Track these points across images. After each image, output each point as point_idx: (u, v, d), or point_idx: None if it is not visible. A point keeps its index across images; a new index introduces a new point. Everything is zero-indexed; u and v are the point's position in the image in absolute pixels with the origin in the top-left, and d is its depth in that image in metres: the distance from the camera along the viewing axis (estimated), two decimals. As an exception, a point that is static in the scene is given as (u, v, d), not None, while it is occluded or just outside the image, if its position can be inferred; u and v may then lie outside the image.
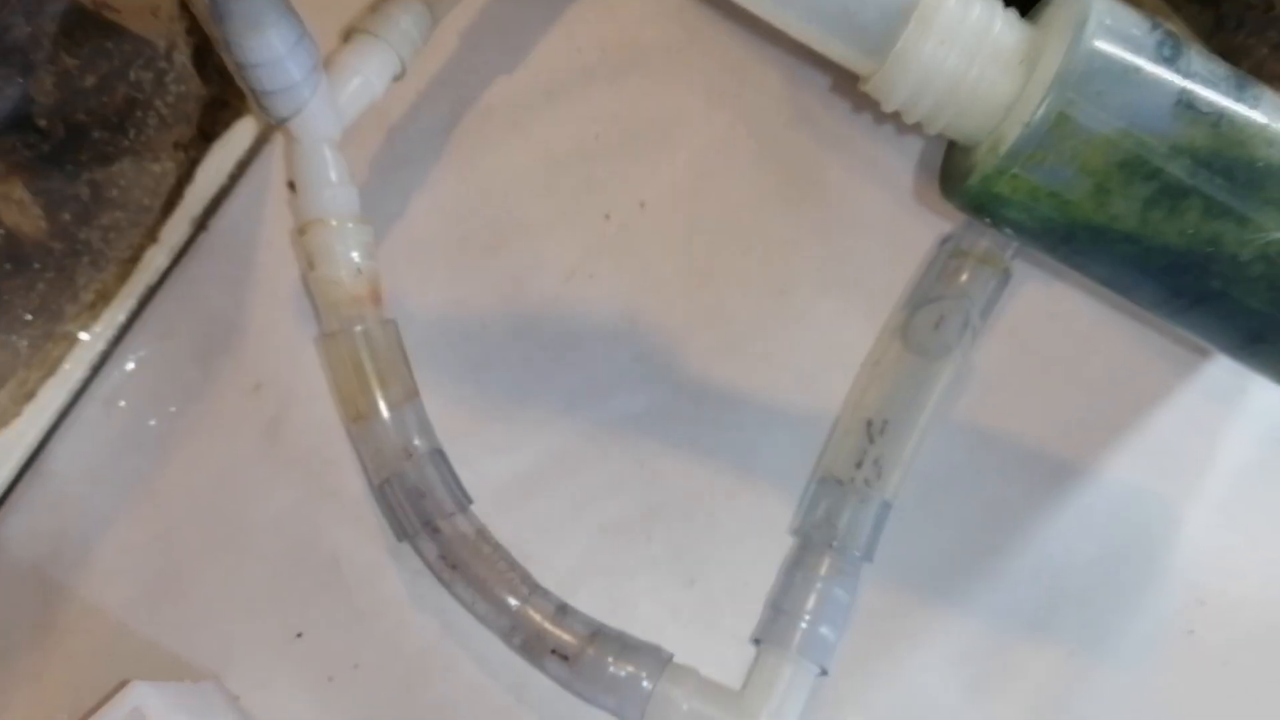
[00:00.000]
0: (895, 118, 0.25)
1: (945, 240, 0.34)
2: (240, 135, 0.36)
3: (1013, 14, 0.23)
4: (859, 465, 0.31)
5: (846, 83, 0.37)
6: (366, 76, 0.33)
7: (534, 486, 0.35)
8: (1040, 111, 0.21)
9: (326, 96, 0.31)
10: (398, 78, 0.34)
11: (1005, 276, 0.33)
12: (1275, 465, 0.36)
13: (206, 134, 0.35)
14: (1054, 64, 0.22)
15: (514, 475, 0.35)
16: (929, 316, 0.32)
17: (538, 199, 0.37)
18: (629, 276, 0.37)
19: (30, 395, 0.34)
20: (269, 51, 0.28)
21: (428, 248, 0.37)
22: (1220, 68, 0.23)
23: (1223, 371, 0.36)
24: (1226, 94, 0.22)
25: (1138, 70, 0.22)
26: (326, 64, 0.33)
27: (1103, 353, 0.36)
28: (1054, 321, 0.36)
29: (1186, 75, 0.22)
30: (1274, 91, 0.23)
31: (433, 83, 0.38)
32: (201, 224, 0.37)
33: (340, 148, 0.32)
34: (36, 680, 0.34)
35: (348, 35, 0.34)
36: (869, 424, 0.31)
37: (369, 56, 0.33)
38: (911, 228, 0.36)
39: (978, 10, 0.22)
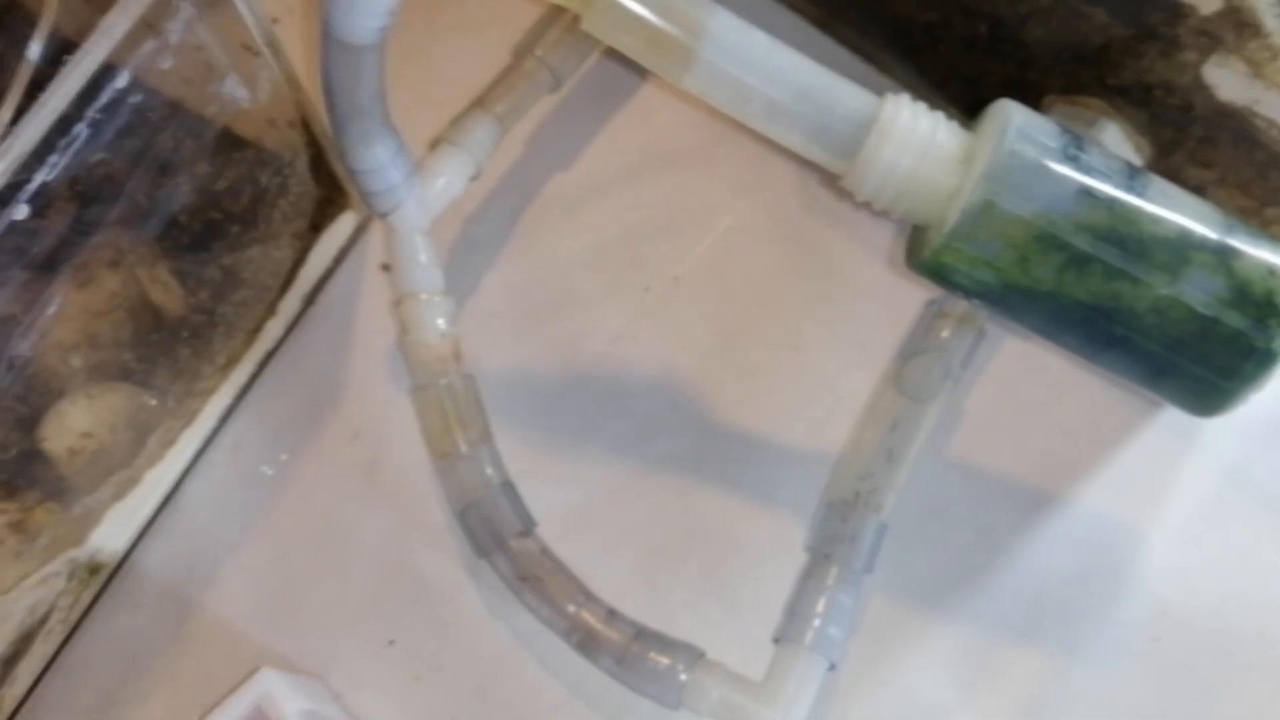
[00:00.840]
0: (868, 205, 0.31)
1: (930, 303, 0.40)
2: (343, 226, 0.44)
3: (954, 124, 0.30)
4: (858, 492, 0.37)
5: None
6: (449, 178, 0.40)
7: (588, 515, 0.41)
8: (972, 200, 0.28)
9: (419, 195, 0.38)
10: (474, 178, 0.42)
11: (981, 333, 0.39)
12: (1228, 493, 0.41)
13: (316, 225, 0.42)
14: (983, 163, 0.28)
15: (571, 505, 0.41)
16: (917, 367, 0.38)
17: (589, 275, 0.44)
18: (666, 339, 0.43)
19: (172, 442, 0.41)
20: (375, 161, 0.35)
21: (498, 316, 0.44)
22: (1115, 162, 0.29)
23: (1179, 413, 0.42)
24: (1119, 184, 0.29)
25: (1047, 167, 0.28)
26: (418, 168, 0.40)
27: (1075, 398, 0.42)
28: (1032, 372, 0.42)
29: (1087, 170, 0.29)
30: (1160, 179, 0.30)
31: (502, 180, 0.46)
32: (311, 299, 0.44)
33: (428, 234, 0.39)
34: (172, 680, 0.40)
35: (435, 144, 0.41)
36: (867, 458, 0.37)
37: (451, 161, 0.40)
38: (903, 293, 0.42)
39: (925, 123, 0.29)
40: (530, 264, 0.45)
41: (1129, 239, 0.28)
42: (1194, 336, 0.29)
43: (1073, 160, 0.29)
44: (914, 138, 0.29)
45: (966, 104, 0.45)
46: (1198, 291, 0.28)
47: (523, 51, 0.43)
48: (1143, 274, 0.28)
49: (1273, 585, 0.40)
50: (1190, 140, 0.38)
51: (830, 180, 0.45)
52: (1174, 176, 0.39)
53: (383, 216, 0.38)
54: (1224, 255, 0.29)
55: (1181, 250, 0.28)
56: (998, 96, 0.43)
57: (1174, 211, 0.29)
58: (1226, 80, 0.35)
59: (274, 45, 0.34)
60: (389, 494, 0.42)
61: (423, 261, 0.39)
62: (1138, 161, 0.39)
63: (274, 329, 0.43)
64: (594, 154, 0.46)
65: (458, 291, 0.43)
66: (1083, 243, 0.28)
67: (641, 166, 0.46)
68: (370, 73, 0.33)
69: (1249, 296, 0.28)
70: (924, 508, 0.40)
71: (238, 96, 0.35)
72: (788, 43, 0.47)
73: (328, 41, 0.31)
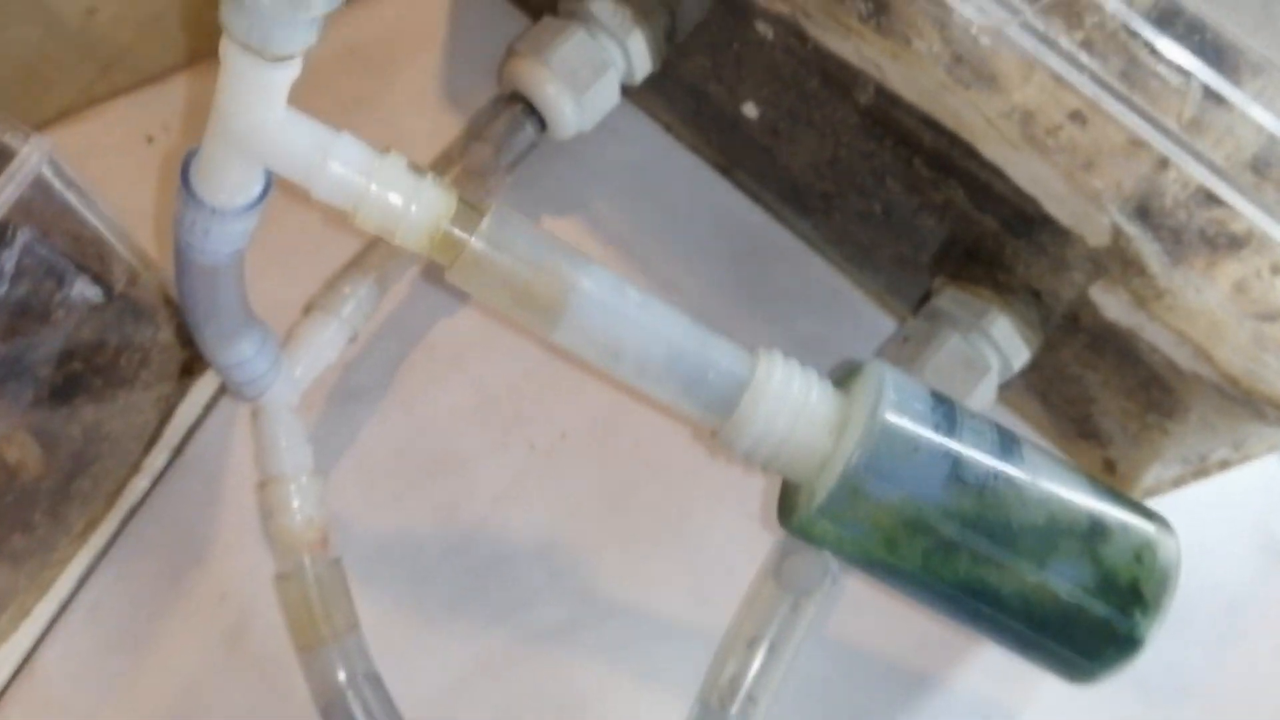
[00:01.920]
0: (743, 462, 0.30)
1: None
2: (212, 377, 0.42)
3: (826, 384, 0.29)
4: (733, 694, 0.36)
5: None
6: (321, 348, 0.38)
7: (462, 690, 0.40)
8: (839, 484, 0.27)
9: (287, 375, 0.36)
10: (352, 340, 0.40)
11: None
12: (1101, 677, 0.41)
13: (186, 372, 0.40)
14: (854, 439, 0.27)
15: (444, 679, 0.40)
16: (797, 562, 0.37)
17: (472, 430, 0.43)
18: (550, 501, 0.42)
19: (26, 614, 0.39)
20: (239, 356, 0.34)
21: (375, 473, 0.42)
22: (989, 434, 0.29)
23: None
24: (991, 454, 0.28)
25: (916, 449, 0.28)
26: (287, 337, 0.39)
27: (956, 575, 0.42)
28: (915, 547, 0.42)
29: (959, 445, 0.28)
30: (1033, 448, 0.29)
31: (385, 323, 0.44)
32: (179, 450, 0.42)
33: (297, 411, 0.38)
34: None
35: (308, 308, 0.39)
36: (743, 654, 0.37)
37: (323, 330, 0.38)
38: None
39: (798, 384, 0.28)
40: (411, 416, 0.43)
41: (997, 526, 0.28)
42: (1059, 621, 0.29)
43: (946, 434, 0.28)
44: (787, 401, 0.28)
45: (860, 265, 0.44)
46: (1064, 580, 0.28)
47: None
48: (1009, 561, 0.28)
49: (1139, 773, 0.41)
50: (1076, 344, 0.38)
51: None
52: (1061, 370, 0.39)
53: (249, 401, 0.36)
54: (1091, 541, 0.29)
55: (1049, 537, 0.28)
56: (890, 268, 0.42)
57: (1044, 487, 0.29)
58: (1112, 304, 0.35)
59: (125, 238, 0.32)
60: (254, 662, 0.40)
61: (289, 443, 0.37)
62: (1026, 352, 0.39)
63: (138, 485, 0.41)
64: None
65: (331, 445, 0.42)
66: (950, 530, 0.28)
67: (530, 317, 0.44)
68: (228, 284, 0.31)
69: (1114, 585, 0.28)
70: (800, 686, 0.40)
71: (88, 295, 0.33)
72: (687, 188, 0.46)
73: (183, 262, 0.30)
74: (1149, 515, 0.30)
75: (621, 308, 0.28)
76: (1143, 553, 0.29)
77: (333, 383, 0.43)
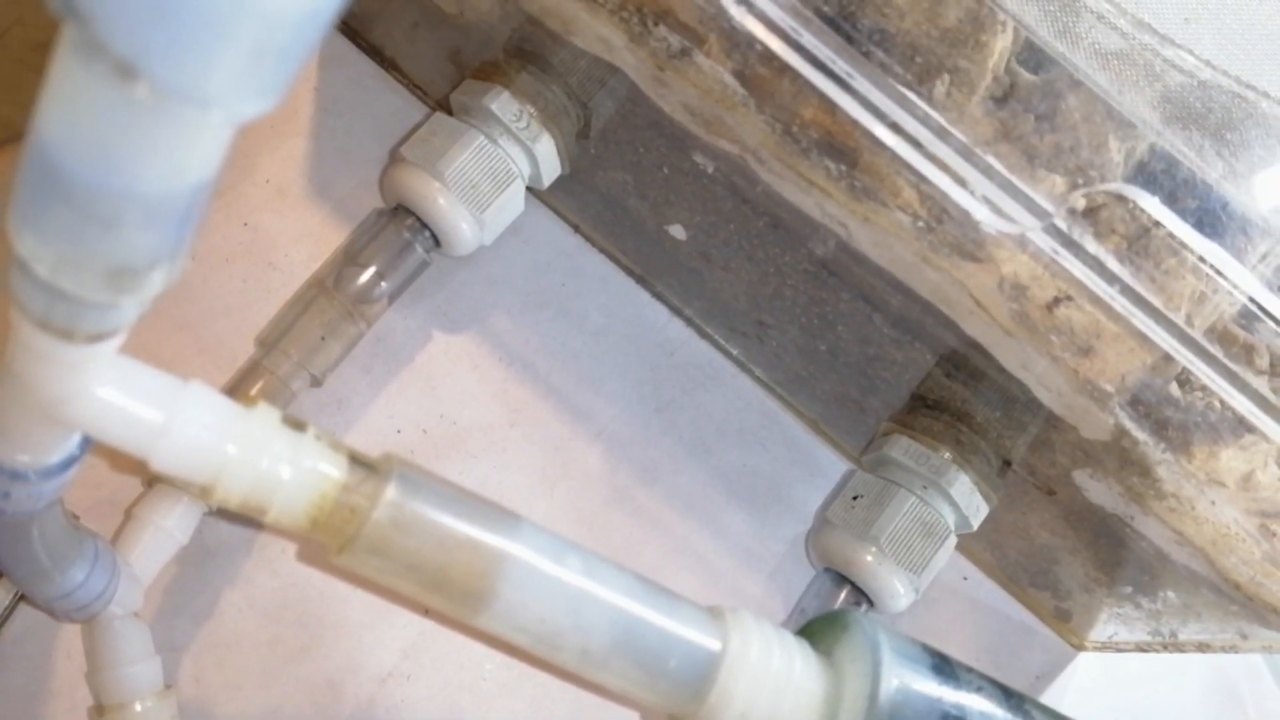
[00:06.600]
0: None
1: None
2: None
3: (807, 651, 0.24)
4: None
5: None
6: (168, 531, 0.32)
7: None
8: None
9: (127, 579, 0.30)
10: (210, 513, 0.33)
11: None
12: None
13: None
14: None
15: None
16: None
17: (355, 592, 0.37)
18: (448, 675, 0.37)
19: None
20: (67, 587, 0.27)
21: (238, 649, 0.36)
22: (995, 705, 0.24)
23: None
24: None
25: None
26: (127, 515, 0.32)
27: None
28: None
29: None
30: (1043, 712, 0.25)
31: (245, 468, 0.37)
32: (-7, 633, 0.35)
33: (139, 616, 0.31)
34: None
35: (152, 480, 0.33)
36: None
37: (171, 509, 0.32)
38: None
39: (778, 657, 0.23)
40: (281, 578, 0.37)
41: None
42: None
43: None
44: (767, 680, 0.23)
45: (795, 393, 0.39)
46: None
47: (269, 344, 0.35)
48: None
49: None
50: (1046, 513, 0.34)
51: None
52: (1023, 530, 0.36)
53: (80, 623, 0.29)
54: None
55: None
56: (830, 403, 0.37)
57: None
58: (1099, 490, 0.31)
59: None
60: None
61: (130, 661, 0.30)
62: (986, 509, 0.35)
63: (-59, 684, 0.34)
64: (364, 431, 0.38)
65: (184, 615, 0.35)
66: None
67: (422, 449, 0.38)
68: (44, 529, 0.24)
69: None
70: None
71: None
72: (598, 297, 0.40)
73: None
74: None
75: (561, 585, 0.22)
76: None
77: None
